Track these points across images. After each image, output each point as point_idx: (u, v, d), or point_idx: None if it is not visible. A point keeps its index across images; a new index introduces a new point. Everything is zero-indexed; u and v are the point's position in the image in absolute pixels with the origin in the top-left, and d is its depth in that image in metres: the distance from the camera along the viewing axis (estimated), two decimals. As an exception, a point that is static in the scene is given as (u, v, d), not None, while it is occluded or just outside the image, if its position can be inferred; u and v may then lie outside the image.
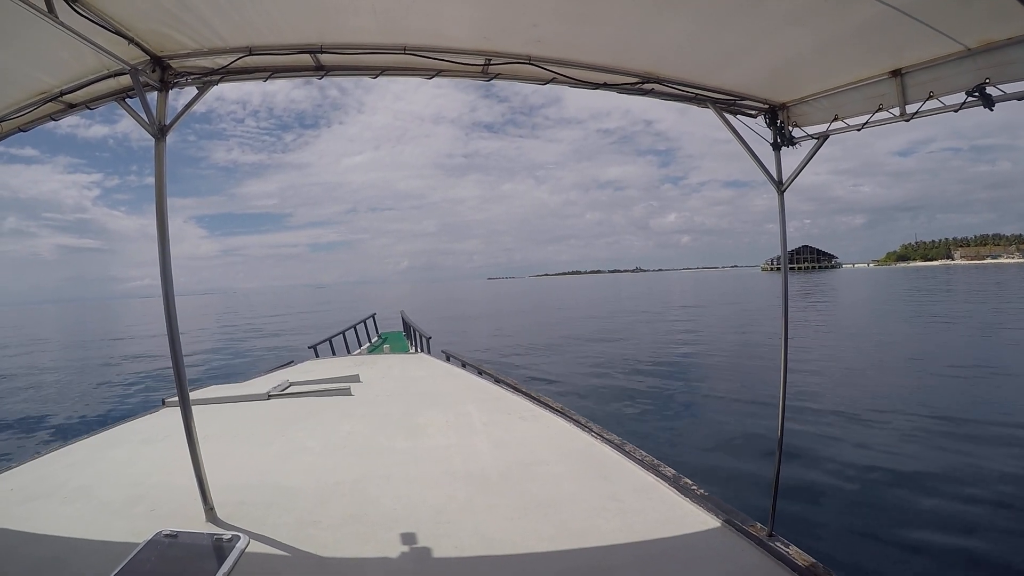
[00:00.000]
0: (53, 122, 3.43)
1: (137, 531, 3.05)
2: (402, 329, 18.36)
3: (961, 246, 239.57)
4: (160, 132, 3.14)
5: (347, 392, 7.23)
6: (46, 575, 2.84)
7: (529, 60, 3.01)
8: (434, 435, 5.19)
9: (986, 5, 2.14)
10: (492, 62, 3.05)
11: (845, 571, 4.72)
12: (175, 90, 3.23)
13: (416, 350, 14.35)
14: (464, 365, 9.94)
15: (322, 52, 2.98)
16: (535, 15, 2.59)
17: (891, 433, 9.84)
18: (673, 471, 3.98)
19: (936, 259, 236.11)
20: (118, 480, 4.21)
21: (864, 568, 5.68)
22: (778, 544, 2.93)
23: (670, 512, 3.42)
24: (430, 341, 13.94)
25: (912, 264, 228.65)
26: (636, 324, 34.66)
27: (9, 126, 3.41)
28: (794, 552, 2.85)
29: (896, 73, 2.74)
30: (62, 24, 2.19)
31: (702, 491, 3.63)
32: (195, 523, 3.35)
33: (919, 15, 2.21)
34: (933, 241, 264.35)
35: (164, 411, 6.57)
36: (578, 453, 4.53)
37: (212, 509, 3.47)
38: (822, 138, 3.26)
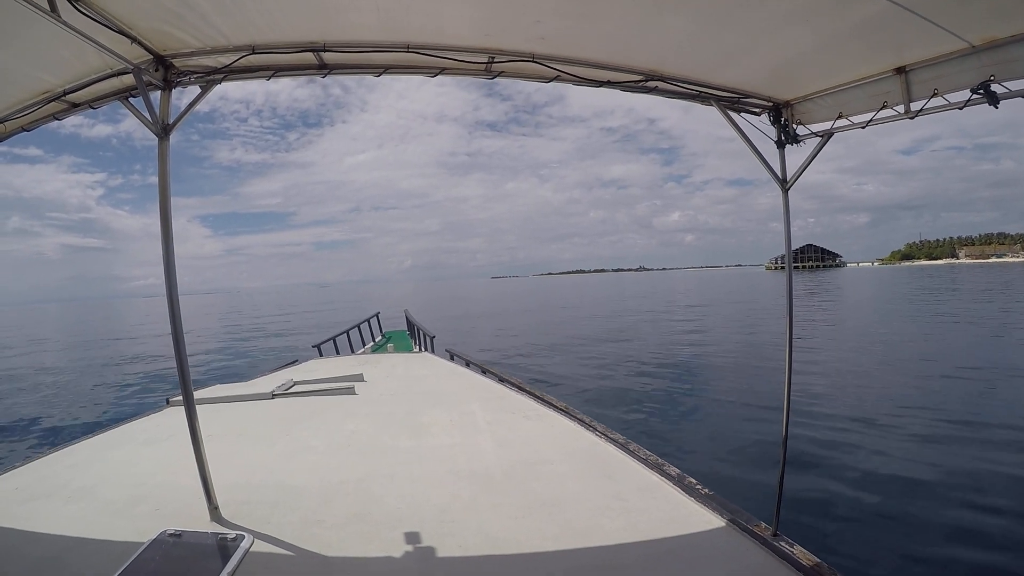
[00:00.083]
0: (56, 122, 3.43)
1: (141, 530, 3.05)
2: (406, 328, 18.38)
3: (966, 245, 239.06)
4: (163, 131, 3.14)
5: (351, 391, 7.23)
6: (49, 575, 2.85)
7: (532, 58, 3.01)
8: (438, 434, 5.18)
9: (989, 2, 2.13)
10: (495, 60, 3.04)
11: (850, 571, 4.71)
12: (178, 89, 3.23)
13: (420, 349, 14.36)
14: (468, 364, 9.93)
15: (325, 50, 2.97)
16: (537, 12, 2.58)
17: (900, 435, 9.79)
18: (677, 470, 3.98)
19: (941, 258, 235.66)
20: (122, 479, 4.21)
21: (869, 569, 5.67)
22: (783, 544, 2.91)
23: (674, 511, 3.41)
24: (434, 340, 13.94)
25: (917, 263, 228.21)
26: (642, 324, 34.59)
27: (12, 126, 3.41)
28: (799, 552, 2.84)
29: (900, 70, 2.72)
30: (65, 23, 2.19)
31: (706, 490, 3.62)
32: (199, 522, 3.34)
33: (922, 12, 2.20)
34: (938, 240, 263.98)
35: (168, 410, 6.58)
36: (582, 452, 4.53)
37: (216, 508, 3.47)
38: (827, 136, 3.24)
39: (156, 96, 3.14)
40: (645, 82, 3.23)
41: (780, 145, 3.40)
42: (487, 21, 2.75)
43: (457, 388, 7.47)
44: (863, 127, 3.05)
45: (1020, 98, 2.32)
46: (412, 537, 3.16)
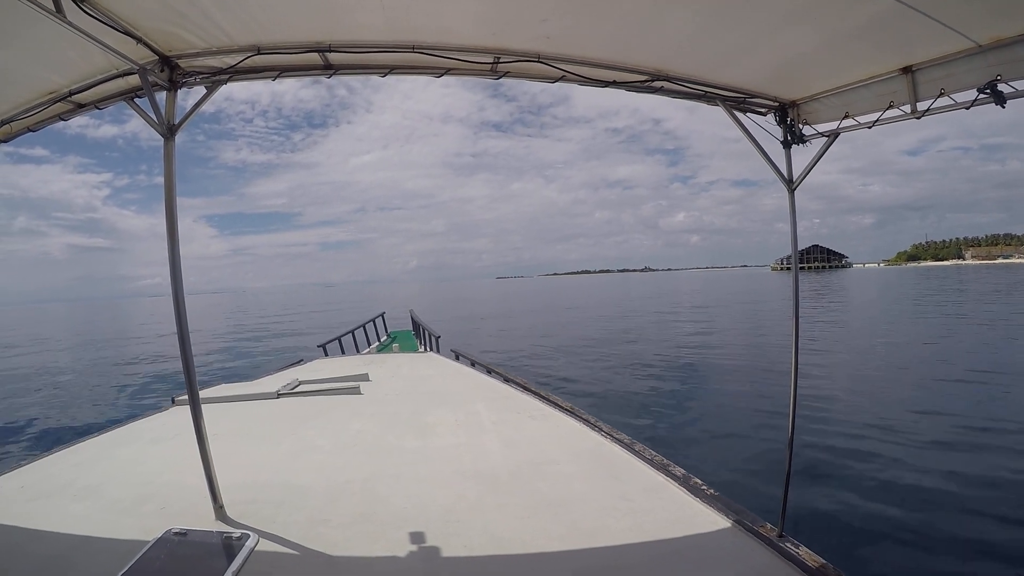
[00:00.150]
0: (62, 122, 3.44)
1: (147, 529, 3.06)
2: (411, 328, 18.39)
3: (972, 246, 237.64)
4: (169, 132, 3.15)
5: (356, 391, 7.24)
6: (55, 573, 2.85)
7: (538, 58, 2.99)
8: (443, 434, 5.19)
9: (996, 1, 2.12)
10: (501, 60, 3.03)
11: (855, 573, 4.69)
12: (184, 90, 3.23)
13: (425, 349, 14.37)
14: (473, 364, 9.94)
15: (330, 51, 2.97)
16: (543, 10, 2.57)
17: (910, 438, 9.69)
18: (683, 471, 3.97)
19: (947, 259, 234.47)
20: (127, 478, 4.22)
21: (874, 570, 5.65)
22: (788, 545, 2.91)
23: (680, 512, 3.41)
24: (439, 340, 13.95)
25: (923, 264, 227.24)
26: (648, 325, 34.41)
27: (18, 126, 3.42)
28: (804, 553, 2.83)
29: (907, 70, 2.71)
30: (70, 24, 2.20)
31: (712, 491, 3.61)
32: (205, 521, 3.35)
33: (928, 11, 2.18)
34: (944, 241, 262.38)
35: (174, 409, 6.60)
36: (588, 452, 4.52)
37: (222, 507, 3.48)
38: (833, 136, 3.23)
39: (162, 97, 3.15)
40: (651, 82, 3.22)
41: (786, 145, 3.39)
42: (493, 19, 2.74)
43: (462, 388, 7.48)
44: (869, 127, 3.03)
45: (1027, 97, 2.32)
46: (417, 537, 3.16)
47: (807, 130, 3.35)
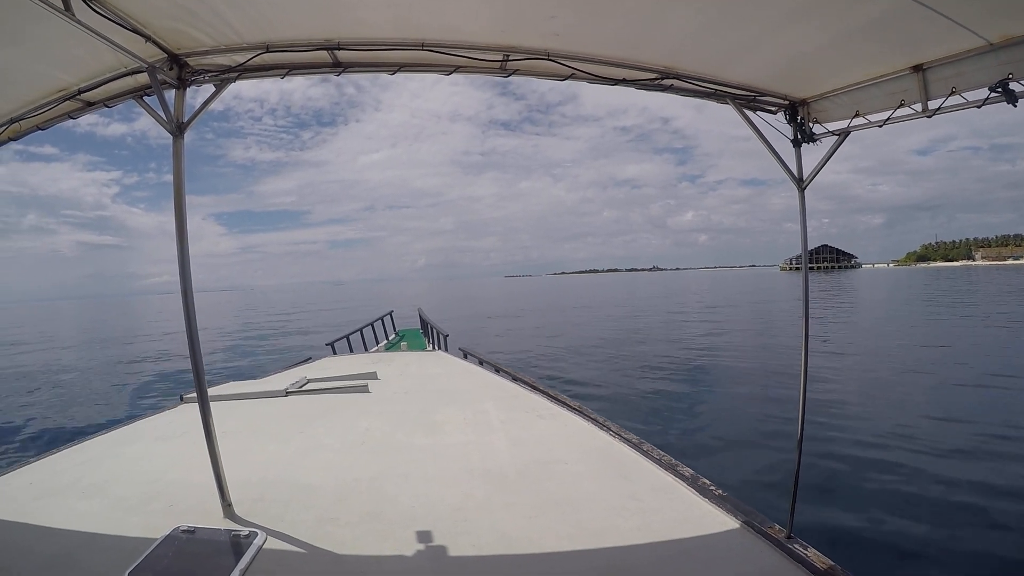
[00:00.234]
0: (71, 120, 3.45)
1: (154, 527, 3.07)
2: (419, 327, 18.42)
3: (982, 246, 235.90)
4: (178, 130, 3.16)
5: (365, 389, 7.25)
6: (62, 570, 2.86)
7: (547, 55, 2.98)
8: (452, 433, 5.18)
9: None
10: (510, 58, 3.02)
11: (864, 574, 4.67)
12: (193, 88, 3.24)
13: (433, 347, 14.39)
14: (481, 363, 9.95)
15: (339, 48, 2.96)
16: (550, 7, 2.56)
17: (920, 441, 9.60)
18: (691, 471, 3.96)
19: (957, 260, 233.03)
20: (135, 476, 4.23)
21: (882, 571, 5.62)
22: (796, 546, 2.89)
23: (688, 512, 3.40)
24: (447, 339, 13.95)
25: (933, 264, 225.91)
26: (658, 325, 34.23)
27: (28, 124, 3.43)
28: (812, 554, 2.81)
29: (917, 68, 2.68)
30: (79, 22, 2.20)
31: (720, 492, 3.60)
32: (213, 519, 3.36)
33: (939, 8, 2.16)
34: (954, 241, 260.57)
35: (182, 407, 6.62)
36: (596, 452, 4.51)
37: (230, 505, 3.48)
38: (843, 135, 3.21)
39: (171, 95, 3.16)
40: (660, 80, 3.20)
41: (796, 144, 3.36)
42: (502, 17, 2.73)
43: (471, 387, 7.48)
44: (880, 126, 3.01)
45: (1039, 96, 2.30)
46: (425, 536, 3.16)
47: (817, 129, 3.32)
